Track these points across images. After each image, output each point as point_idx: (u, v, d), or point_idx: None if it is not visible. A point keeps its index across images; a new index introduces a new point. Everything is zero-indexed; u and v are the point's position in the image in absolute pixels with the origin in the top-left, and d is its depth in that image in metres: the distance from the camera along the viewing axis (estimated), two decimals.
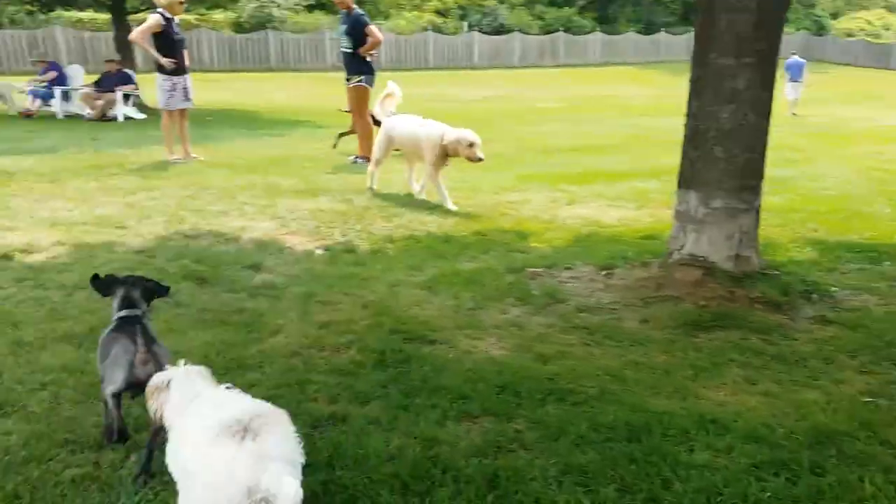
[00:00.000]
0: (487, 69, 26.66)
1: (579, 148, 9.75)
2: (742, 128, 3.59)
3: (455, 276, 3.91)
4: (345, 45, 8.26)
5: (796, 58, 16.48)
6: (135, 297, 2.26)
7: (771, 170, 7.60)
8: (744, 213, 3.67)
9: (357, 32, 8.12)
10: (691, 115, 3.74)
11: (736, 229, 3.66)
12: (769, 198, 6.56)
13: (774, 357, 2.99)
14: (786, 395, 2.65)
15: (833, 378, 2.81)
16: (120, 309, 2.24)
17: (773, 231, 5.18)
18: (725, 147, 3.60)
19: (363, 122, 8.38)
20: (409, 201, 5.97)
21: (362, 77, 8.27)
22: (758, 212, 3.78)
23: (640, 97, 18.25)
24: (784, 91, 15.89)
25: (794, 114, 15.42)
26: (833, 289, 3.80)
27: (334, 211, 5.50)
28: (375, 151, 6.38)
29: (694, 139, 3.72)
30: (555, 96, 18.47)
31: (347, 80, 8.35)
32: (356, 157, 8.40)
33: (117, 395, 2.10)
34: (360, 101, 8.34)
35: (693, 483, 2.06)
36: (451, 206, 5.69)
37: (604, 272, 4.04)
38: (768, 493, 2.02)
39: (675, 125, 3.86)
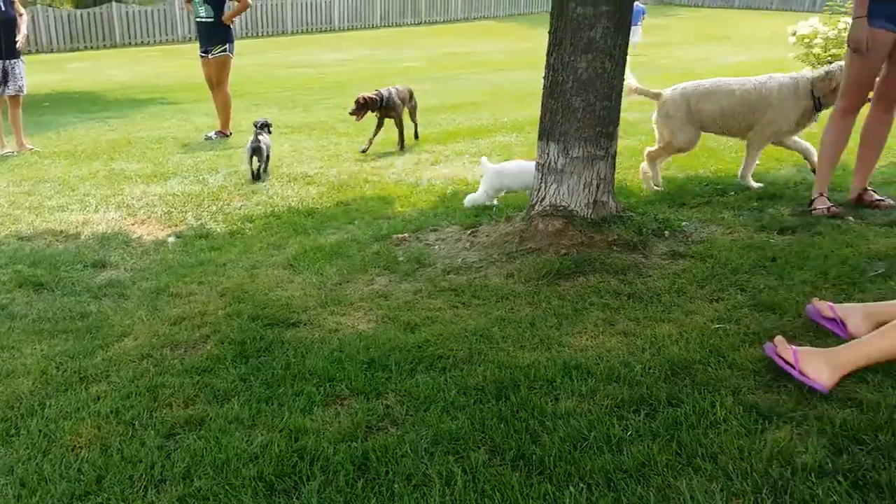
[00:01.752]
0: (348, 31, 26.12)
1: (443, 107, 9.74)
2: (599, 76, 3.64)
3: (318, 251, 3.81)
4: (203, 14, 7.79)
5: (638, 4, 17.51)
6: None
7: (624, 114, 7.83)
8: (601, 160, 3.75)
9: None
10: (550, 66, 3.75)
11: (594, 176, 3.73)
12: (622, 141, 6.82)
13: (631, 296, 3.09)
14: (643, 331, 2.74)
15: (685, 310, 2.93)
16: None
17: (628, 173, 5.35)
18: (584, 97, 3.65)
19: (225, 94, 8.01)
20: (269, 177, 5.76)
21: (226, 46, 7.88)
22: (614, 157, 3.87)
23: (502, 51, 18.39)
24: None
25: (635, 53, 16.41)
26: (683, 223, 3.97)
27: (186, 194, 5.24)
28: None
29: (553, 91, 3.75)
30: (419, 55, 18.31)
31: (206, 51, 7.92)
32: (214, 133, 8.03)
33: None
34: (224, 72, 7.95)
35: (559, 432, 2.09)
36: None
37: (469, 231, 4.05)
38: (630, 432, 2.08)
39: (534, 78, 3.88)
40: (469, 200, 4.80)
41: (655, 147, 4.96)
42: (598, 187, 3.72)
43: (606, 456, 1.97)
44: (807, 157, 4.76)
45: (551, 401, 2.29)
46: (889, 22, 3.78)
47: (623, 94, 4.21)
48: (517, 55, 17.02)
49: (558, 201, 3.72)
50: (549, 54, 3.72)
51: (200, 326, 2.98)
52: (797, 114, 4.58)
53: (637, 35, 17.34)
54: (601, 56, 3.57)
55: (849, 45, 3.87)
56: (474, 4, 29.77)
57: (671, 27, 23.18)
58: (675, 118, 4.84)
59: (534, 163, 4.50)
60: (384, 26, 27.31)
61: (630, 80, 4.80)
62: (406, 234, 4.08)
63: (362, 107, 6.67)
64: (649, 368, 2.44)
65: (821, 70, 4.60)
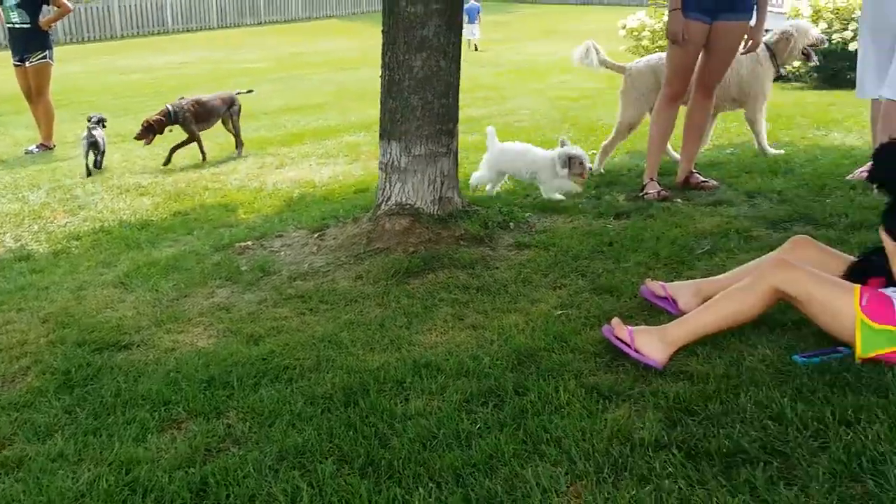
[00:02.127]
0: (183, 32, 24.97)
1: (288, 108, 9.52)
2: (435, 74, 3.64)
3: (152, 266, 3.58)
4: (16, 20, 7.18)
5: (473, 2, 18.31)
6: None
7: (470, 110, 7.98)
8: (444, 157, 3.76)
9: (33, 2, 7.12)
10: (386, 65, 3.72)
11: (438, 173, 3.74)
12: (468, 137, 6.93)
13: (480, 289, 3.12)
14: (491, 323, 2.77)
15: (531, 298, 2.99)
16: None
17: (475, 168, 5.43)
18: (421, 95, 3.65)
19: (47, 103, 7.42)
20: (99, 189, 5.38)
21: (45, 53, 7.30)
22: (456, 153, 3.90)
23: (346, 50, 18.22)
24: (464, 33, 17.62)
25: (475, 48, 17.17)
26: (527, 214, 4.06)
27: (4, 213, 4.79)
28: None
29: (390, 89, 3.72)
30: (260, 56, 17.78)
31: (22, 60, 7.29)
32: (36, 146, 7.43)
33: None
34: (44, 81, 7.37)
35: (409, 433, 2.06)
36: None
37: (316, 234, 3.95)
38: (478, 425, 2.08)
39: (380, 76, 3.83)
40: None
41: (611, 135, 5.14)
42: (442, 184, 3.74)
43: (455, 452, 1.95)
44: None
45: (401, 402, 2.26)
46: (702, 13, 4.03)
47: (594, 66, 4.99)
48: (362, 53, 16.92)
49: (404, 200, 3.70)
50: (384, 53, 3.69)
51: (19, 357, 2.71)
52: (770, 79, 5.12)
53: (476, 32, 17.99)
54: (436, 54, 3.58)
55: (667, 37, 4.11)
56: (316, 3, 29.29)
57: (512, 24, 23.91)
58: (639, 89, 5.00)
59: (538, 150, 4.60)
60: (222, 27, 26.34)
61: (598, 52, 5.18)
62: (250, 242, 3.93)
63: (148, 129, 6.25)
64: (497, 360, 2.46)
65: (774, 34, 5.03)
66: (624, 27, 11.99)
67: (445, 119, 3.71)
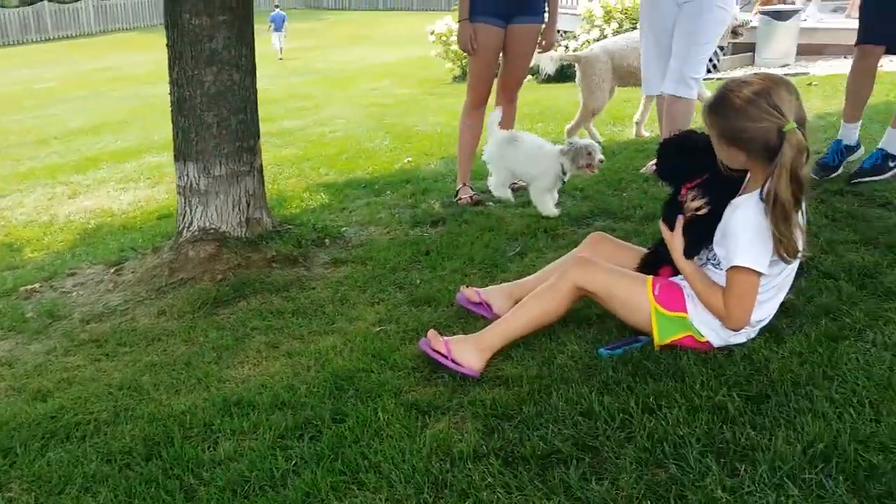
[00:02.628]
0: None
1: (83, 130, 8.84)
2: (229, 89, 3.47)
3: None
4: None
5: (279, 10, 18.12)
6: None
7: (284, 122, 7.79)
8: (247, 176, 3.60)
9: None
10: (174, 82, 3.51)
11: (242, 194, 3.58)
12: (282, 150, 6.75)
13: (295, 313, 3.00)
14: (307, 349, 2.66)
15: (349, 317, 2.92)
16: None
17: (289, 183, 5.29)
18: (216, 112, 3.46)
19: None
20: None
21: None
22: (260, 171, 3.74)
23: (144, 64, 17.24)
24: (272, 42, 17.62)
25: (280, 59, 17.00)
26: (343, 229, 3.99)
27: None
28: None
29: (181, 107, 3.51)
30: (51, 75, 16.43)
31: None
32: None
33: None
34: None
35: (218, 481, 1.92)
36: None
37: (113, 269, 3.65)
38: (294, 461, 1.97)
39: None
40: (492, 187, 4.21)
41: (575, 119, 5.14)
42: (248, 204, 3.57)
43: (269, 495, 1.84)
44: None
45: (209, 447, 2.10)
46: (493, 17, 4.11)
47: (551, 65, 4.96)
48: (161, 66, 16.08)
49: (208, 224, 3.50)
50: (170, 69, 3.48)
51: None
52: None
53: (282, 41, 17.84)
54: (228, 68, 3.42)
55: (460, 48, 4.17)
56: (109, 16, 27.47)
57: (321, 31, 23.75)
58: (598, 75, 5.03)
59: (548, 146, 3.98)
60: (4, 45, 24.09)
61: (552, 54, 5.11)
62: (37, 285, 3.56)
63: None
64: (314, 387, 2.36)
65: None
66: (432, 32, 12.22)
67: (245, 135, 3.55)
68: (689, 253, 2.30)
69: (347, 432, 2.07)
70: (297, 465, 1.95)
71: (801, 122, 2.07)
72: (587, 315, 2.63)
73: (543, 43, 4.39)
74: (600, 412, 2.01)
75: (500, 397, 2.17)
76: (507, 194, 4.17)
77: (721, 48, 10.24)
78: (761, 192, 2.08)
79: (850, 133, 4.15)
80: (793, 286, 2.42)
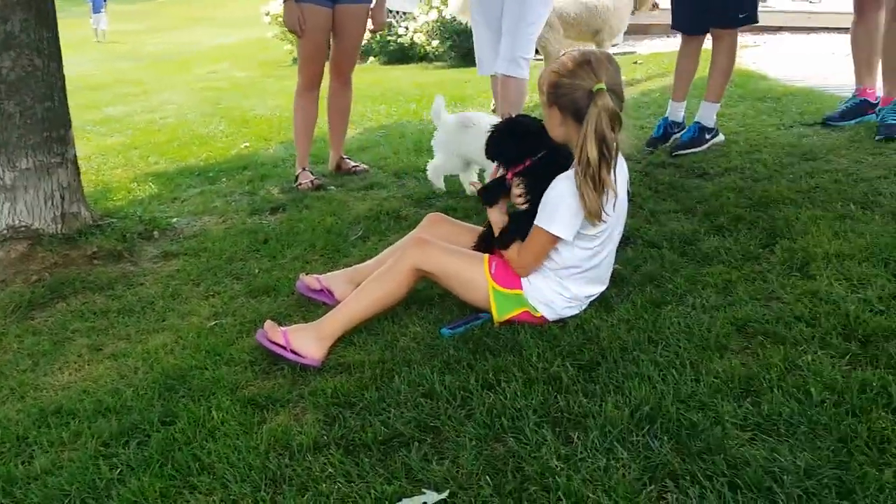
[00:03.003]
0: None
1: None
2: (31, 75, 3.16)
3: None
4: None
5: None
6: None
7: (108, 109, 7.27)
8: (59, 168, 3.31)
9: None
10: None
11: (56, 187, 3.29)
12: (106, 139, 6.30)
13: (122, 311, 2.80)
14: (134, 349, 2.49)
15: (181, 313, 2.76)
16: None
17: (115, 174, 4.94)
18: (17, 100, 3.15)
19: None
20: None
21: None
22: (75, 162, 3.45)
23: None
24: (91, 22, 16.61)
25: (98, 41, 16.09)
26: (174, 220, 3.77)
27: None
28: None
29: None
30: None
31: None
32: None
33: None
34: None
35: (34, 498, 1.75)
36: None
37: None
38: (119, 470, 1.84)
39: None
40: (431, 173, 3.81)
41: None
42: (63, 198, 3.29)
43: None
44: None
45: (24, 462, 1.92)
46: None
47: None
48: None
49: (17, 222, 3.20)
50: None
51: None
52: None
53: (103, 22, 16.77)
54: (27, 52, 3.12)
55: (287, 29, 4.03)
56: None
57: (152, 13, 22.43)
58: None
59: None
60: None
61: None
62: None
63: None
64: (141, 390, 2.21)
65: None
66: (268, 13, 11.84)
67: (54, 125, 3.26)
68: (501, 243, 2.36)
69: (178, 434, 1.95)
70: (123, 474, 1.82)
71: (616, 92, 2.16)
72: (429, 296, 2.64)
73: (373, 23, 4.35)
74: (441, 392, 2.02)
75: (341, 385, 2.12)
76: (440, 183, 3.90)
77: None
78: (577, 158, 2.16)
79: (676, 111, 4.42)
80: (618, 256, 2.54)
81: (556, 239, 2.24)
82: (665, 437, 1.75)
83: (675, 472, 1.63)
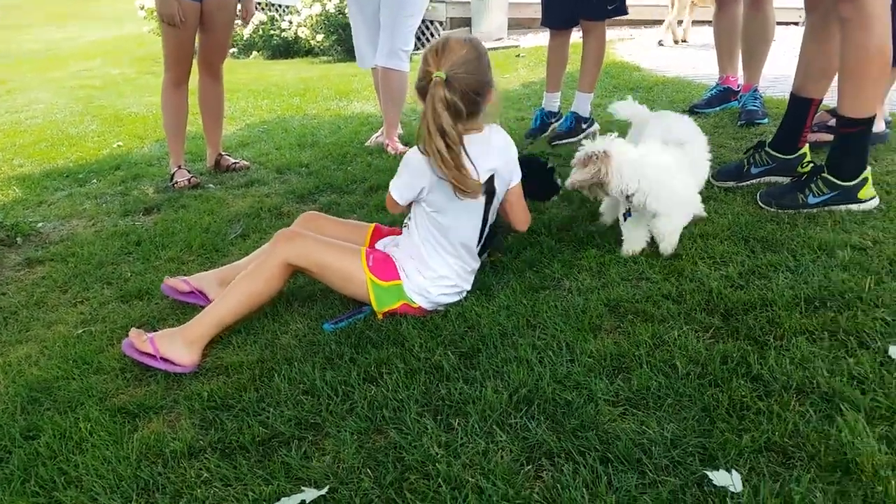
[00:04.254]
0: None
1: None
2: None
3: None
4: None
5: None
6: None
7: None
8: None
9: None
10: None
11: None
12: None
13: None
14: None
15: (46, 322, 2.61)
16: None
17: None
18: None
19: None
20: None
21: None
22: None
23: None
24: None
25: None
26: (39, 224, 3.56)
27: None
28: None
29: None
30: None
31: None
32: None
33: None
34: None
35: None
36: None
37: None
38: None
39: None
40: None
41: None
42: None
43: None
44: None
45: None
46: None
47: None
48: None
49: None
50: None
51: None
52: None
53: None
54: None
55: (163, 20, 3.88)
56: None
57: (19, 7, 21.02)
58: None
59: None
60: None
61: None
62: None
63: None
64: (2, 404, 2.08)
65: None
66: (142, 7, 11.33)
67: None
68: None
69: (42, 449, 1.85)
70: None
71: (462, 81, 2.15)
72: (311, 292, 2.60)
73: (243, 14, 4.24)
74: (322, 388, 1.99)
75: (218, 388, 2.06)
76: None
77: (441, 23, 10.68)
78: None
79: (551, 101, 4.53)
80: (499, 246, 2.59)
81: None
82: (542, 418, 1.79)
83: (552, 451, 1.67)
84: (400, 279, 2.33)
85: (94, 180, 4.36)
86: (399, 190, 2.30)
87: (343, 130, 5.19)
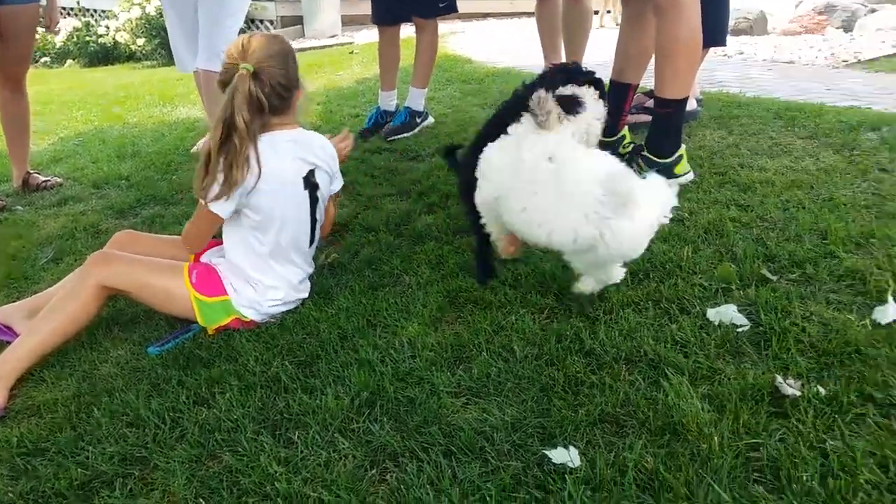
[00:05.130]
0: None
1: None
2: None
3: None
4: None
5: None
6: None
7: None
8: None
9: None
10: None
11: None
12: None
13: None
14: None
15: None
16: None
17: None
18: None
19: None
20: None
21: None
22: None
23: None
24: None
25: None
26: None
27: None
28: None
29: None
30: None
31: None
32: None
33: None
34: None
35: None
36: None
37: None
38: None
39: None
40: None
41: None
42: None
43: None
44: None
45: None
46: None
47: None
48: None
49: None
50: None
51: None
52: None
53: None
54: None
55: None
56: None
57: None
58: None
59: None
60: None
61: None
62: None
63: None
64: None
65: None
66: None
67: None
68: None
69: None
70: None
71: (267, 74, 2.10)
72: (133, 314, 2.42)
73: (48, 22, 3.92)
74: (149, 417, 1.85)
75: (30, 431, 1.87)
76: None
77: (271, 21, 10.40)
78: None
79: (388, 100, 4.49)
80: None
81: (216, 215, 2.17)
82: (385, 419, 1.75)
83: (395, 452, 1.64)
84: (227, 294, 2.21)
85: None
86: (220, 204, 2.14)
87: (167, 138, 4.91)
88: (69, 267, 2.84)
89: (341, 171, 2.49)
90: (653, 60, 2.96)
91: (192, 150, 4.42)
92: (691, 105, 3.82)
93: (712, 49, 4.18)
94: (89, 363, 2.15)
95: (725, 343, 1.89)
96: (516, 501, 1.46)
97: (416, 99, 4.34)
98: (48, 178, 4.03)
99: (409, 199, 3.22)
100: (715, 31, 3.19)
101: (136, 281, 2.16)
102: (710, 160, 3.22)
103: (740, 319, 1.99)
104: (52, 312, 2.11)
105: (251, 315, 2.23)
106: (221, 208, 2.13)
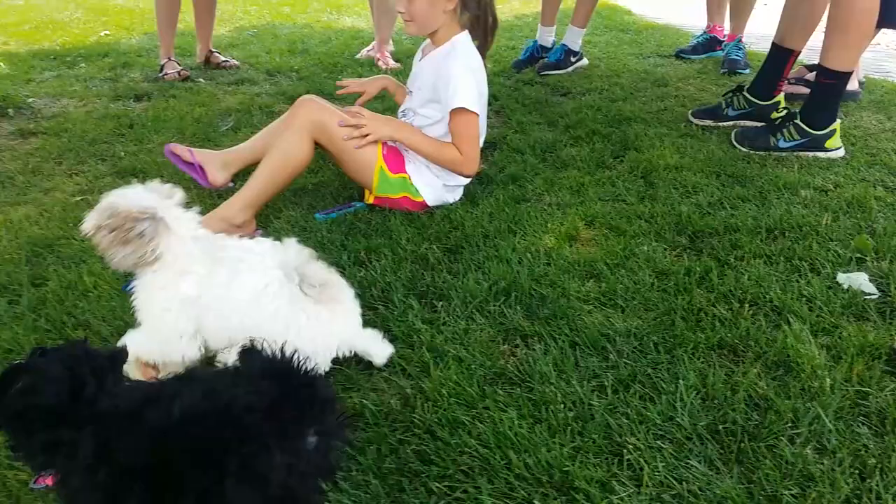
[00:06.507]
0: None
1: None
2: None
3: None
4: None
5: None
6: None
7: None
8: None
9: None
10: None
11: None
12: None
13: None
14: None
15: (43, 188, 2.68)
16: None
17: None
18: None
19: None
20: None
21: None
22: None
23: None
24: None
25: None
26: (31, 99, 3.57)
27: None
28: None
29: None
30: None
31: None
32: None
33: None
34: None
35: None
36: None
37: None
38: None
39: None
40: None
41: None
42: None
43: None
44: None
45: None
46: None
47: None
48: None
49: None
50: None
51: None
52: None
53: None
54: None
55: None
56: None
57: None
58: None
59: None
60: None
61: None
62: None
63: None
64: (7, 254, 2.17)
65: None
66: None
67: None
68: None
69: (50, 295, 1.96)
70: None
71: None
72: (303, 184, 2.71)
73: None
74: None
75: None
76: None
77: None
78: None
79: (545, 35, 4.59)
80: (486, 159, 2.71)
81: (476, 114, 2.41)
82: (518, 307, 1.95)
83: (525, 333, 1.84)
84: (406, 173, 2.46)
85: (83, 64, 4.34)
86: (478, 103, 2.41)
87: (334, 42, 5.20)
88: (246, 136, 3.15)
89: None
90: (819, 32, 2.94)
91: (356, 57, 4.68)
92: (853, 85, 3.74)
93: (882, 40, 4.04)
94: (264, 216, 2.45)
95: (851, 306, 1.96)
96: (630, 391, 1.63)
97: (574, 37, 4.41)
98: (227, 60, 4.39)
99: (557, 130, 3.36)
100: (893, 11, 3.12)
101: (337, 130, 2.40)
102: (864, 140, 3.19)
103: (870, 287, 2.05)
104: (274, 151, 2.36)
105: (425, 194, 2.48)
106: (477, 104, 2.40)
